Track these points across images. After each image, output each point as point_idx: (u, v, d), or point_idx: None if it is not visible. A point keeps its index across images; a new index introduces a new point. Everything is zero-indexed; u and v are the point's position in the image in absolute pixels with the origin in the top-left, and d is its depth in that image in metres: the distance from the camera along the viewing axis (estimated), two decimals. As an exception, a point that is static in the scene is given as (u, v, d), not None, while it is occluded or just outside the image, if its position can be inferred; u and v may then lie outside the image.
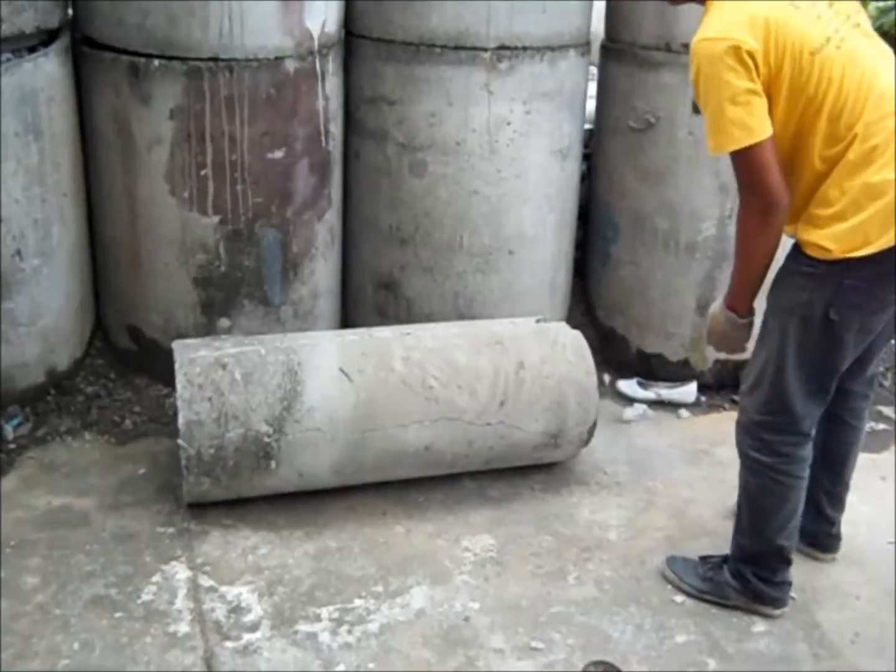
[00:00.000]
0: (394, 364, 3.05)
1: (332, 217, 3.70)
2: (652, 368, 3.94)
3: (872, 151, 2.26)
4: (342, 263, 3.91)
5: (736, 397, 3.92)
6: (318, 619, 2.62)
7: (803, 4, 2.29)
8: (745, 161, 2.26)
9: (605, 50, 3.89)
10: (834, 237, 2.30)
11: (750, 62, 2.20)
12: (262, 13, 3.17)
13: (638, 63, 3.65)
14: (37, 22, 3.12)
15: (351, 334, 3.21)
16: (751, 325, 2.55)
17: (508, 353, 3.14)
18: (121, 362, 3.74)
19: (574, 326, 3.42)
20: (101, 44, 3.28)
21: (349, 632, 2.58)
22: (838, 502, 2.92)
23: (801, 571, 2.84)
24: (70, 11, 3.41)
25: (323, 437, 2.96)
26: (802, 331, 2.41)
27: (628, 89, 3.71)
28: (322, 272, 3.71)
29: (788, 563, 2.70)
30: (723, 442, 3.58)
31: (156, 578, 2.74)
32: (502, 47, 3.43)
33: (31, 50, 3.18)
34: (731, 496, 3.24)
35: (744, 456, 2.64)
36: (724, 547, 2.99)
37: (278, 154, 3.37)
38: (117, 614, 2.59)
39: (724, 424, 3.72)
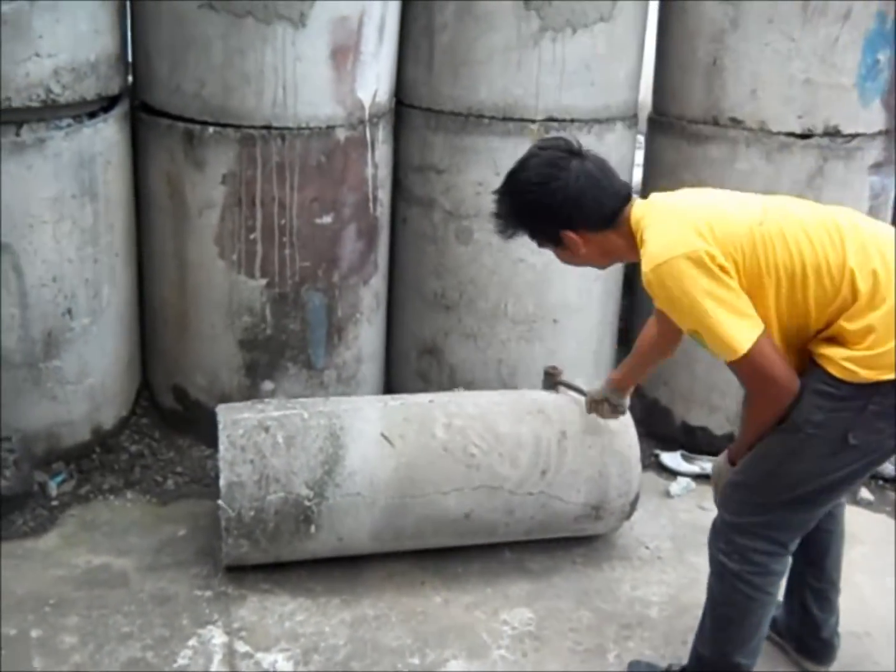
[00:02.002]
0: (435, 430, 3.04)
1: (378, 282, 3.73)
2: (697, 441, 3.89)
3: (876, 290, 2.15)
4: (386, 329, 3.93)
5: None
6: (353, 689, 2.60)
7: (720, 198, 2.31)
8: (753, 359, 2.14)
9: (652, 122, 3.92)
10: (863, 362, 2.15)
11: (717, 263, 2.12)
12: (315, 84, 3.24)
13: (685, 137, 3.67)
14: (98, 89, 3.21)
15: (393, 399, 3.21)
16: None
17: (551, 422, 3.12)
18: (165, 422, 3.77)
19: (618, 397, 3.39)
20: (158, 110, 3.37)
21: (384, 704, 2.55)
22: (825, 601, 2.70)
23: (847, 654, 2.77)
24: (130, 79, 3.50)
25: (363, 501, 2.94)
26: (808, 447, 2.24)
27: (675, 162, 3.72)
28: (366, 337, 3.73)
29: None
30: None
31: (192, 642, 2.73)
32: (550, 119, 3.47)
33: (92, 115, 3.28)
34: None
35: (712, 558, 2.44)
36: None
37: (327, 219, 3.42)
38: (153, 678, 2.58)
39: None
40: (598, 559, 3.23)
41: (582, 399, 3.10)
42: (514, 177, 2.36)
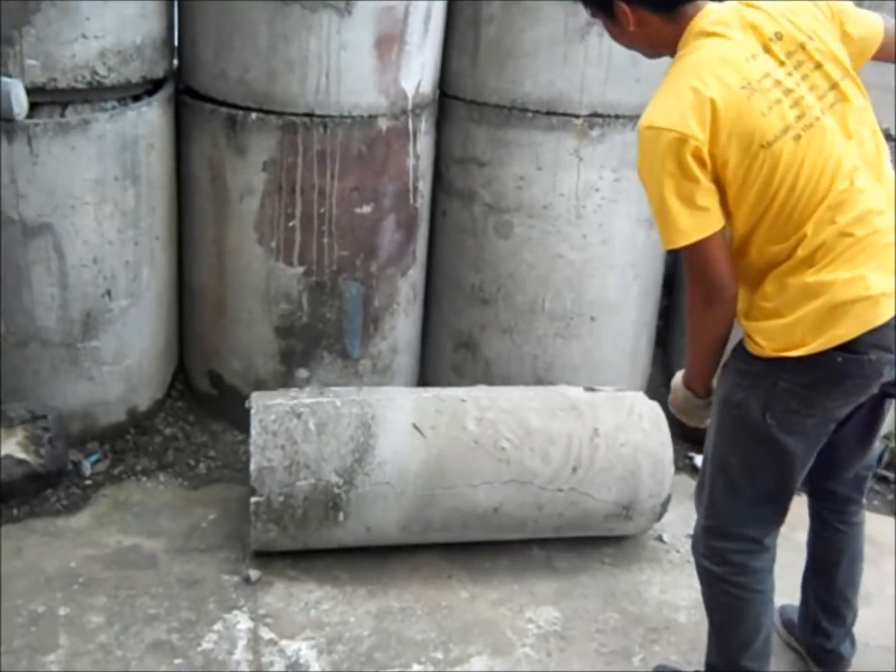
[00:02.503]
0: (467, 423, 3.02)
1: (416, 273, 3.72)
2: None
3: (817, 251, 2.06)
4: (423, 320, 3.91)
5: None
6: (375, 681, 2.59)
7: (764, 84, 2.05)
8: (691, 253, 2.09)
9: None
10: (768, 333, 2.12)
11: (695, 154, 2.01)
12: (359, 72, 3.22)
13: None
14: (143, 72, 3.23)
15: (426, 391, 3.20)
16: (709, 405, 2.35)
17: (583, 419, 3.10)
18: (200, 406, 3.79)
19: (653, 397, 3.35)
20: (202, 95, 3.38)
21: (406, 698, 2.54)
22: (835, 615, 2.63)
23: (877, 669, 2.72)
24: (175, 62, 3.51)
25: (392, 491, 2.94)
26: (741, 431, 2.21)
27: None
28: (402, 328, 3.72)
29: None
30: (801, 525, 3.43)
31: (217, 627, 2.74)
32: (594, 115, 3.42)
33: (136, 98, 3.29)
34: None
35: (697, 565, 2.41)
36: (799, 637, 2.89)
37: (366, 209, 3.41)
38: (177, 661, 2.59)
39: (803, 507, 3.60)
40: (627, 560, 3.20)
41: None
42: None
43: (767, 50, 2.09)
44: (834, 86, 2.10)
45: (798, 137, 2.04)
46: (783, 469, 2.24)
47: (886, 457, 3.90)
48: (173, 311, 3.74)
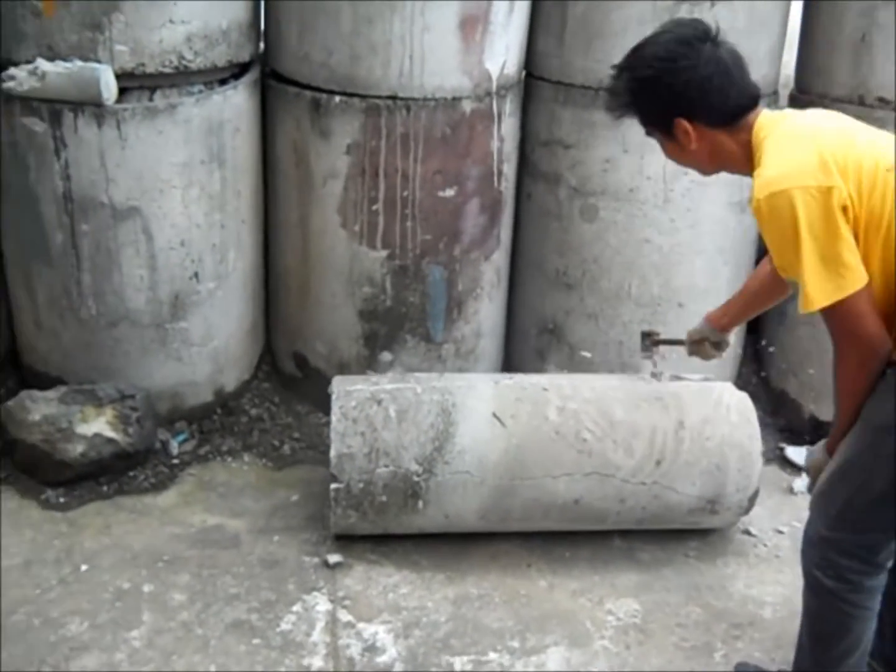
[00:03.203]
0: (548, 413, 2.98)
1: (500, 257, 3.68)
2: (825, 436, 3.70)
3: None
4: (507, 305, 3.87)
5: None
6: (450, 668, 2.58)
7: (854, 127, 2.13)
8: (840, 312, 2.00)
9: (794, 100, 3.72)
10: None
11: (842, 204, 1.95)
12: (442, 54, 3.19)
13: (829, 116, 3.47)
14: (229, 56, 3.25)
15: (507, 378, 3.16)
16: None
17: (668, 411, 3.02)
18: (285, 387, 3.83)
19: (743, 387, 3.27)
20: (287, 78, 3.38)
21: (481, 686, 2.53)
22: None
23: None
24: (262, 46, 3.53)
25: (472, 480, 2.92)
26: (894, 452, 2.07)
27: (817, 142, 3.53)
28: (486, 312, 3.69)
29: None
30: None
31: (296, 608, 2.76)
32: (684, 95, 3.32)
33: (222, 82, 3.32)
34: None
35: (806, 573, 2.30)
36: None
37: (450, 192, 3.38)
38: (255, 641, 2.63)
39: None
40: (711, 554, 3.12)
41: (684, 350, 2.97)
42: (638, 51, 2.17)
43: None
44: None
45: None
46: None
47: None
48: (259, 294, 3.78)
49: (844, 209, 1.97)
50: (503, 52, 3.32)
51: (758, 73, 3.41)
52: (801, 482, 3.51)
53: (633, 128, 3.33)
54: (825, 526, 2.22)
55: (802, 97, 3.65)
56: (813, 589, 2.30)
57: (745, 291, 2.72)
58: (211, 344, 3.54)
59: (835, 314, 2.01)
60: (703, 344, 2.86)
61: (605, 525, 3.07)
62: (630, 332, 3.61)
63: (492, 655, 2.63)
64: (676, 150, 2.23)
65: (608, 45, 3.31)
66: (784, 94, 3.77)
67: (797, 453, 3.67)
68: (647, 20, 3.22)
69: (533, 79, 3.58)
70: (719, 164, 2.23)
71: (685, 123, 2.13)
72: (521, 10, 3.36)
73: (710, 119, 2.13)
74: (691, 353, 2.93)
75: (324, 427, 3.65)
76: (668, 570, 3.03)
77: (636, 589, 2.94)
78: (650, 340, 3.10)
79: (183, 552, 2.96)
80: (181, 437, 3.52)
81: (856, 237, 2.00)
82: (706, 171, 2.31)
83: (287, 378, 3.82)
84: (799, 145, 2.03)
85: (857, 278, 1.98)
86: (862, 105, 3.35)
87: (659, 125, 2.20)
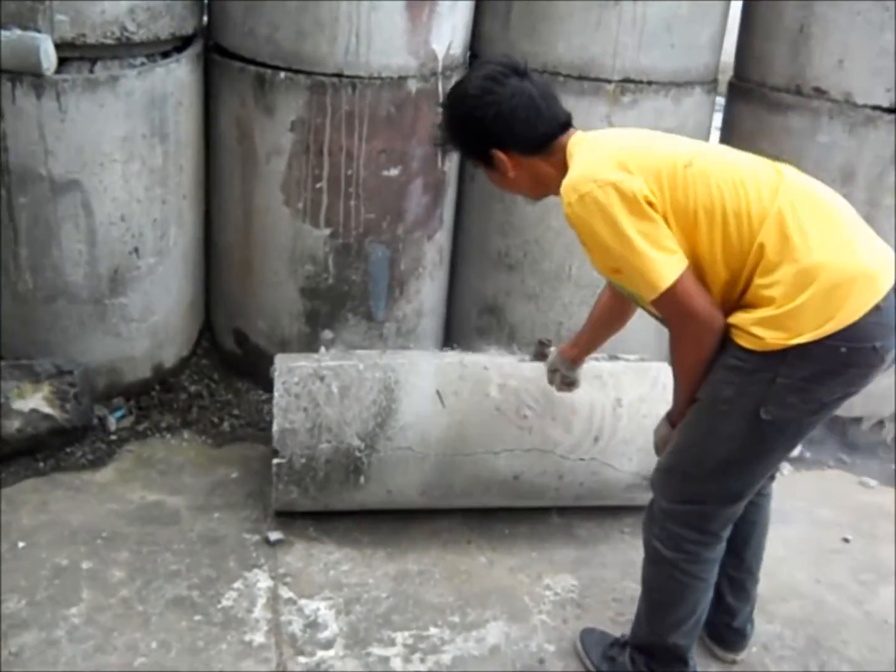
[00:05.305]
0: (489, 390, 3.02)
1: (442, 237, 3.70)
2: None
3: (792, 239, 2.06)
4: (448, 285, 3.90)
5: (843, 456, 3.79)
6: (392, 643, 2.61)
7: (652, 137, 2.25)
8: (673, 294, 2.07)
9: (733, 88, 3.80)
10: (768, 323, 2.06)
11: (645, 197, 2.05)
12: (389, 32, 3.19)
13: (766, 105, 3.56)
14: (172, 28, 3.21)
15: (448, 356, 3.19)
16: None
17: (606, 389, 3.08)
18: (225, 364, 3.81)
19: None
20: (231, 53, 3.36)
21: (422, 660, 2.56)
22: (741, 590, 2.62)
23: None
24: (205, 19, 3.49)
25: (414, 456, 2.95)
26: (727, 428, 2.17)
27: (754, 130, 3.61)
28: (428, 291, 3.72)
29: (685, 662, 2.43)
30: (823, 501, 3.47)
31: (237, 585, 2.77)
32: (626, 80, 3.38)
33: (165, 55, 3.28)
34: (828, 560, 3.14)
35: (647, 544, 2.39)
36: (813, 613, 2.89)
37: (394, 172, 3.39)
38: (196, 617, 2.62)
39: (826, 482, 3.61)
40: (646, 530, 3.19)
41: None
42: (455, 89, 2.33)
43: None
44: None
45: (705, 154, 2.19)
46: (762, 466, 2.24)
47: None
48: (200, 270, 3.75)
49: (649, 202, 2.06)
50: (449, 33, 3.33)
51: (699, 61, 3.53)
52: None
53: (576, 111, 3.39)
54: (665, 498, 2.32)
55: (741, 85, 3.73)
56: (652, 560, 2.39)
57: (591, 321, 2.77)
58: (150, 319, 3.51)
59: (669, 297, 2.08)
60: (556, 374, 2.90)
61: (544, 501, 3.13)
62: (570, 312, 3.67)
63: (432, 630, 2.67)
64: (498, 178, 2.34)
65: (553, 28, 3.35)
66: (724, 79, 3.84)
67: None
68: (592, 4, 3.26)
69: (478, 60, 3.59)
70: (542, 188, 2.32)
71: (500, 154, 2.25)
72: (468, -8, 3.38)
73: (521, 147, 2.24)
74: (549, 381, 2.94)
75: (264, 404, 3.66)
76: (604, 547, 3.09)
77: (573, 565, 2.99)
78: (542, 350, 3.10)
79: (122, 529, 2.94)
80: (119, 414, 3.49)
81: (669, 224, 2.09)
82: (532, 196, 2.41)
83: (227, 355, 3.81)
84: (598, 151, 2.16)
85: (681, 259, 2.07)
86: (799, 94, 3.44)
87: (478, 157, 2.31)
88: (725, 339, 2.15)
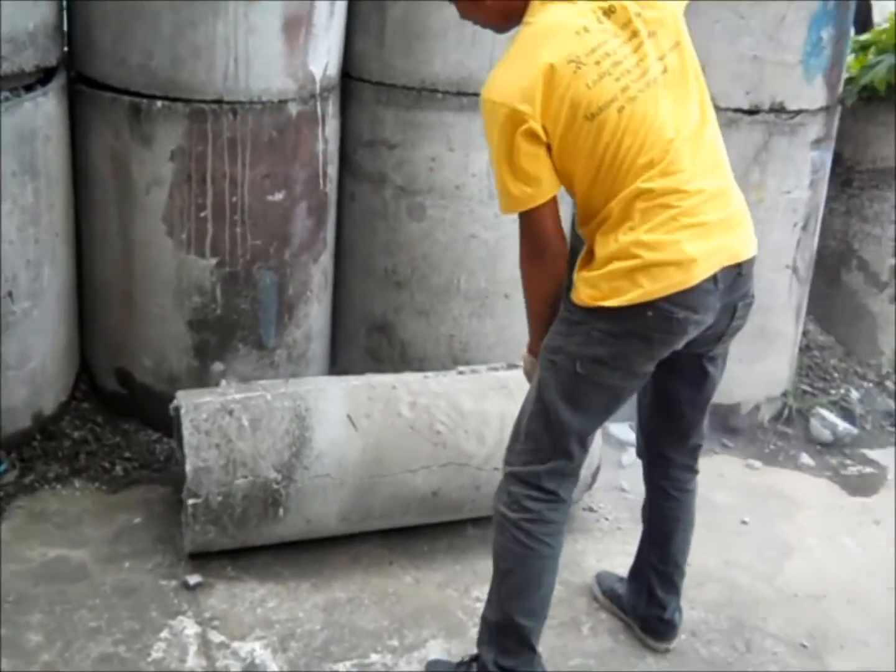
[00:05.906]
0: (401, 409, 3.02)
1: (327, 259, 3.67)
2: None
3: (637, 214, 2.18)
4: (333, 306, 3.87)
5: (726, 440, 3.97)
6: (336, 674, 2.57)
7: (592, 57, 2.14)
8: (523, 217, 2.25)
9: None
10: (590, 282, 2.22)
11: (528, 130, 2.13)
12: (267, 56, 3.14)
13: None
14: (36, 60, 3.05)
15: (355, 379, 3.16)
16: None
17: (514, 397, 3.12)
18: (107, 406, 3.64)
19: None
20: (100, 83, 3.22)
21: (371, 688, 2.53)
22: (669, 584, 2.72)
23: (809, 617, 2.88)
24: (66, 49, 3.34)
25: (332, 483, 2.91)
26: (555, 376, 2.29)
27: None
28: (316, 315, 3.68)
29: (530, 647, 2.42)
30: (716, 485, 3.62)
31: (164, 634, 2.66)
32: (504, 93, 3.44)
33: (28, 89, 3.12)
34: (732, 542, 3.29)
35: (496, 512, 2.43)
36: (730, 595, 3.02)
37: (278, 196, 3.34)
38: (128, 673, 2.51)
39: (718, 467, 3.78)
40: (561, 532, 3.26)
41: None
42: None
43: (601, 21, 2.19)
44: (662, 57, 2.20)
45: (622, 109, 2.15)
46: (579, 422, 2.32)
47: (786, 413, 4.12)
48: (74, 310, 3.57)
49: (534, 134, 2.15)
50: (325, 54, 3.31)
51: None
52: (629, 457, 3.72)
53: (457, 127, 3.46)
54: (508, 462, 2.42)
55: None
56: (498, 525, 2.41)
57: (546, 322, 2.82)
58: (28, 366, 3.32)
59: (524, 218, 2.25)
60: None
61: (462, 514, 3.15)
62: (460, 325, 3.70)
63: (374, 657, 2.64)
64: (471, 7, 2.35)
65: (429, 46, 3.38)
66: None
67: (620, 430, 3.89)
68: (466, 22, 3.30)
69: (352, 80, 3.58)
70: (510, 20, 2.32)
71: None
72: (341, 13, 3.36)
73: None
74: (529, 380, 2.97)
75: (155, 444, 3.52)
76: (524, 553, 3.13)
77: (498, 574, 3.02)
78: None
79: (29, 590, 2.77)
80: (1, 468, 3.29)
81: (553, 154, 2.19)
82: (499, 27, 2.40)
83: (109, 396, 3.65)
84: (521, 63, 2.18)
85: (542, 191, 2.20)
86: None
87: None
88: (565, 293, 2.31)
